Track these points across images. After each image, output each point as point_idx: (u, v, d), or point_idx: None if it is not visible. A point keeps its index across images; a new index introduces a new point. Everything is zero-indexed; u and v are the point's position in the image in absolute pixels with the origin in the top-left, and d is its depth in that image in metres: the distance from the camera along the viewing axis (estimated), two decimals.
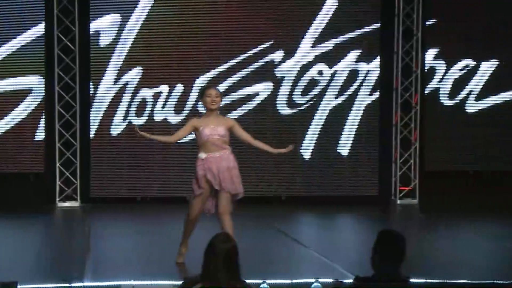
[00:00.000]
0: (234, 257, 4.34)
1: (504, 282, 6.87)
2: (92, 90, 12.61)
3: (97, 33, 12.58)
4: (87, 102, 12.60)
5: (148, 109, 12.77)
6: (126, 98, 12.71)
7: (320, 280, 6.53)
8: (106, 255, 8.86)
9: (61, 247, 9.44)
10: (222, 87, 12.86)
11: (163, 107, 12.81)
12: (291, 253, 9.00)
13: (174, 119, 12.84)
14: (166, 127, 12.81)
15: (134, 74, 12.70)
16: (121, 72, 12.66)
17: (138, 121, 12.76)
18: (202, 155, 8.30)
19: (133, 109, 12.73)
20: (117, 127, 12.72)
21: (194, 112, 12.87)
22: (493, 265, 8.33)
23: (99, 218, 11.55)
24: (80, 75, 12.53)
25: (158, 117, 12.80)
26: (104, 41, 12.60)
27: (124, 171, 12.73)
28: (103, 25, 12.57)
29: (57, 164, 12.57)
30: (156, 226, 10.97)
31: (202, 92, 8.34)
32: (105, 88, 12.65)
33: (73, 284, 6.91)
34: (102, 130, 12.67)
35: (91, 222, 11.13)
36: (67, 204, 12.55)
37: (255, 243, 9.41)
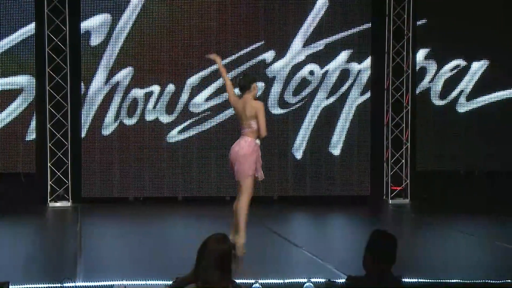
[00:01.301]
0: (227, 258, 4.33)
1: (495, 281, 6.89)
2: (83, 90, 12.59)
3: (88, 33, 12.56)
4: (78, 102, 12.58)
5: (139, 109, 12.76)
6: (117, 98, 12.69)
7: (312, 280, 6.54)
8: (98, 255, 8.84)
9: (53, 247, 9.42)
10: (213, 87, 12.87)
11: (154, 107, 12.80)
12: (283, 253, 9.01)
13: (165, 119, 12.83)
14: (157, 127, 12.81)
15: (125, 74, 12.68)
16: (112, 72, 12.64)
17: (130, 121, 12.75)
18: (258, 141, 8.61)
19: (124, 109, 12.72)
20: (108, 127, 12.70)
21: (186, 112, 12.88)
22: (485, 264, 8.35)
23: (90, 218, 11.52)
24: (71, 75, 12.51)
25: (149, 117, 12.79)
26: (95, 41, 12.58)
27: (115, 171, 12.72)
28: (94, 25, 12.55)
29: (49, 164, 12.54)
30: (148, 226, 10.96)
31: (255, 81, 8.71)
32: (96, 88, 12.63)
33: (65, 284, 6.90)
34: (93, 130, 12.65)
35: (83, 222, 11.11)
36: (58, 204, 12.52)
37: (247, 243, 9.40)
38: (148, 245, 9.39)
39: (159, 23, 12.72)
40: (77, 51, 12.54)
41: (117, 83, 12.69)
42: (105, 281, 7.01)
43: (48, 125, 12.52)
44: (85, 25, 12.54)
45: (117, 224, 11.40)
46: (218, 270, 4.26)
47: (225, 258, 4.32)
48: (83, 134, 12.64)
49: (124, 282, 6.91)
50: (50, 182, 12.56)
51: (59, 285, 6.90)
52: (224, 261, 4.30)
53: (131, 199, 12.86)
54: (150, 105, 12.78)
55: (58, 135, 12.54)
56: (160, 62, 12.75)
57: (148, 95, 12.78)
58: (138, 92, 12.75)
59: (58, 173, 12.55)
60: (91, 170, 12.65)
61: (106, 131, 12.71)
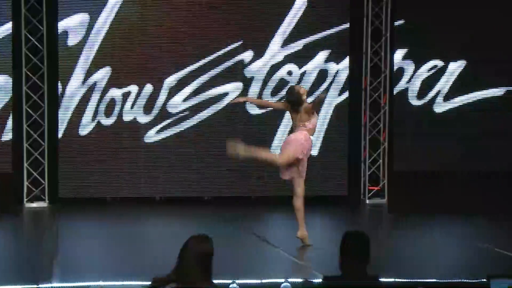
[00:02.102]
0: (208, 258, 4.32)
1: (471, 280, 6.92)
2: (60, 90, 12.52)
3: (65, 33, 12.49)
4: (55, 102, 12.51)
5: (117, 109, 12.71)
6: (94, 98, 12.64)
7: (290, 279, 6.53)
8: (75, 255, 8.80)
9: (29, 248, 9.36)
10: (191, 87, 12.85)
11: (132, 107, 12.75)
12: (261, 253, 9.01)
13: (143, 119, 12.79)
14: (135, 127, 12.77)
15: (103, 74, 12.63)
16: (90, 72, 12.59)
17: (107, 121, 12.70)
18: None
19: (102, 109, 12.67)
20: (85, 127, 12.64)
21: (163, 112, 12.84)
22: (461, 264, 8.40)
23: (67, 219, 11.47)
24: (48, 74, 12.44)
25: (127, 117, 12.75)
26: (72, 40, 12.52)
27: (93, 171, 12.66)
28: (72, 24, 12.49)
29: (25, 164, 12.46)
30: (125, 226, 10.93)
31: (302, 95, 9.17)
32: (74, 88, 12.57)
33: (41, 285, 6.86)
34: (70, 130, 12.59)
35: (60, 222, 11.06)
36: (35, 204, 12.45)
37: (225, 243, 9.40)
38: (126, 245, 9.36)
39: (137, 23, 12.67)
40: (54, 51, 12.47)
41: (95, 83, 12.64)
42: (82, 281, 6.97)
43: (24, 125, 12.44)
44: (62, 24, 12.47)
45: (94, 224, 11.35)
46: (199, 270, 4.25)
47: (206, 258, 4.31)
48: (60, 134, 12.57)
49: (101, 283, 6.88)
50: (27, 183, 12.48)
51: (35, 286, 6.86)
52: (205, 261, 4.30)
53: (108, 199, 12.81)
54: (128, 105, 12.74)
55: (35, 135, 12.47)
56: (138, 62, 12.70)
57: (126, 95, 12.73)
58: (115, 92, 12.70)
59: (35, 174, 12.48)
60: (68, 170, 12.59)
61: (84, 131, 12.65)
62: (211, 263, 4.35)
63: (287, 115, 13.09)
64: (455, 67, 13.50)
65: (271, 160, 9.25)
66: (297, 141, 9.08)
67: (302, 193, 9.23)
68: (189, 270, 4.27)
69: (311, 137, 9.29)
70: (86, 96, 12.61)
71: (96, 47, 12.56)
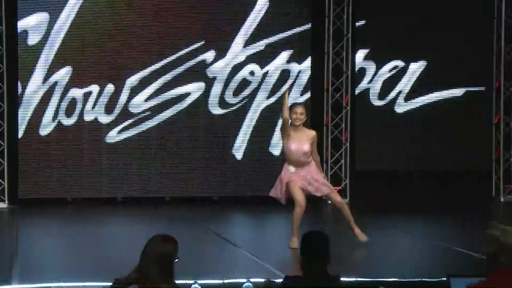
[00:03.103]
0: (168, 258, 4.30)
1: (431, 280, 6.98)
2: (20, 90, 12.40)
3: (25, 32, 12.38)
4: (15, 102, 12.39)
5: (78, 109, 12.62)
6: (55, 97, 12.54)
7: (252, 279, 6.54)
8: (35, 256, 8.71)
9: None
10: (153, 87, 12.80)
11: (93, 107, 12.67)
12: (223, 253, 9.00)
13: (104, 119, 12.71)
14: (96, 127, 12.69)
15: (63, 74, 12.53)
16: (50, 71, 12.48)
17: (68, 121, 12.61)
18: (291, 168, 8.97)
19: (62, 109, 12.57)
20: (46, 127, 12.54)
21: (125, 112, 12.78)
22: (421, 263, 8.46)
23: (27, 220, 11.36)
24: (8, 74, 12.31)
25: (88, 117, 12.66)
26: (32, 40, 12.40)
27: (53, 171, 12.56)
28: (31, 23, 12.38)
29: None
30: (86, 227, 10.85)
31: (290, 108, 8.83)
32: (34, 88, 12.46)
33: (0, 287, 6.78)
34: (30, 130, 12.47)
35: (20, 223, 10.94)
36: None
37: (187, 244, 9.36)
38: (87, 246, 9.29)
39: (98, 22, 12.59)
40: (14, 50, 12.34)
41: (55, 83, 12.53)
42: (42, 283, 6.91)
43: None
44: (22, 24, 12.35)
45: (55, 225, 11.26)
46: (159, 271, 4.23)
47: (167, 259, 4.29)
48: (20, 135, 12.45)
49: (62, 284, 6.83)
50: None
51: None
52: (166, 261, 4.27)
53: (69, 200, 12.72)
54: (89, 105, 12.65)
55: None
56: (99, 62, 12.62)
57: (87, 95, 12.64)
58: (76, 92, 12.60)
59: None
60: (29, 170, 12.47)
61: (44, 131, 12.54)
62: (171, 262, 4.32)
63: (250, 116, 13.12)
64: (416, 68, 13.62)
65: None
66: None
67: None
68: (150, 270, 4.25)
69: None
70: (47, 96, 12.50)
71: (56, 47, 12.46)
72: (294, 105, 9.06)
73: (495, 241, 3.78)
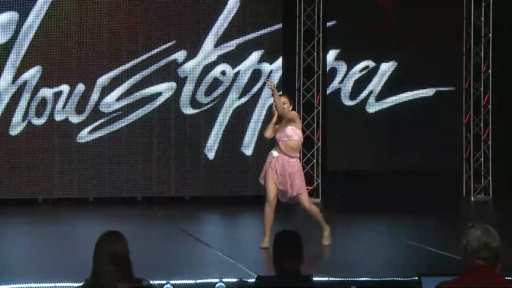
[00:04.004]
0: (123, 256, 4.17)
1: (403, 279, 7.02)
2: None
3: None
4: None
5: (48, 109, 12.54)
6: (25, 97, 12.44)
7: (224, 280, 6.54)
8: (5, 257, 8.64)
9: None
10: (124, 86, 12.75)
11: (64, 107, 12.59)
12: (195, 253, 8.99)
13: (75, 119, 12.64)
14: (67, 127, 12.61)
15: (33, 73, 12.44)
16: (20, 71, 12.38)
17: (38, 121, 12.52)
18: (275, 153, 8.96)
19: (32, 109, 12.48)
20: (16, 127, 12.44)
21: (96, 112, 12.71)
22: (393, 262, 8.50)
23: None
24: None
25: (58, 117, 12.58)
26: (1, 39, 12.31)
27: (24, 171, 12.46)
28: (0, 22, 12.26)
29: None
30: (57, 227, 10.78)
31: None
32: (3, 87, 12.36)
33: None
34: (0, 130, 12.37)
35: None
36: None
37: (159, 244, 9.36)
38: (57, 247, 9.23)
39: (68, 21, 12.52)
40: None
41: (25, 82, 12.44)
42: (13, 284, 6.86)
43: None
44: None
45: (25, 225, 11.16)
46: (114, 271, 4.08)
47: (120, 257, 4.13)
48: None
49: (32, 285, 6.78)
50: None
51: None
52: (120, 260, 4.13)
53: (40, 200, 12.63)
54: (60, 105, 12.58)
55: None
56: (70, 61, 12.55)
57: (57, 95, 12.56)
58: (46, 92, 12.52)
59: None
60: None
61: (14, 131, 12.44)
62: (126, 260, 4.18)
63: (221, 116, 13.12)
64: (387, 68, 13.69)
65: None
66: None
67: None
68: (105, 272, 4.12)
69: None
70: (16, 96, 12.41)
71: (26, 46, 12.37)
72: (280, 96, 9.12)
73: (477, 238, 3.82)
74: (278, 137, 8.93)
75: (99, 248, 4.21)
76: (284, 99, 8.97)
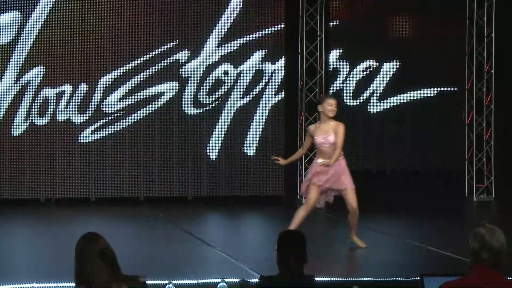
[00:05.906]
0: (111, 253, 4.11)
1: (404, 279, 7.02)
2: None
3: None
4: None
5: (50, 108, 12.54)
6: (27, 97, 12.45)
7: (226, 280, 6.54)
8: (7, 257, 8.65)
9: None
10: (127, 86, 12.76)
11: (66, 107, 12.60)
12: (198, 253, 8.99)
13: (77, 119, 12.65)
14: (70, 127, 12.61)
15: (36, 73, 12.45)
16: (23, 71, 12.39)
17: (41, 121, 12.53)
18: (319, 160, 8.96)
19: (35, 109, 12.48)
20: (18, 127, 12.45)
21: (98, 112, 12.72)
22: (395, 262, 8.50)
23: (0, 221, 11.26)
24: None
25: (61, 117, 12.59)
26: (4, 39, 12.31)
27: (26, 171, 12.46)
28: (3, 22, 12.28)
29: None
30: (59, 227, 10.78)
31: (323, 100, 8.96)
32: (6, 87, 12.36)
33: None
34: (3, 130, 12.38)
35: None
36: None
37: (161, 244, 9.36)
38: (59, 247, 9.23)
39: (71, 21, 12.52)
40: None
41: (28, 82, 12.45)
42: (13, 284, 6.86)
43: None
44: None
45: (28, 225, 11.18)
46: (108, 269, 4.04)
47: (109, 253, 4.08)
48: None
49: (33, 285, 6.79)
50: None
51: None
52: (109, 256, 4.07)
53: (42, 200, 12.64)
54: (62, 105, 12.58)
55: None
56: (72, 61, 12.55)
57: (60, 95, 12.57)
58: (49, 92, 12.53)
59: None
60: (1, 170, 12.37)
61: (16, 131, 12.45)
62: (112, 259, 4.08)
63: (224, 116, 13.12)
64: (389, 68, 13.69)
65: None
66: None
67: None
68: (99, 274, 4.05)
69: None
70: (19, 96, 12.41)
71: (29, 46, 12.37)
72: (327, 97, 9.16)
73: (480, 239, 3.83)
74: (319, 141, 8.89)
75: (83, 251, 4.12)
76: (335, 102, 8.94)
